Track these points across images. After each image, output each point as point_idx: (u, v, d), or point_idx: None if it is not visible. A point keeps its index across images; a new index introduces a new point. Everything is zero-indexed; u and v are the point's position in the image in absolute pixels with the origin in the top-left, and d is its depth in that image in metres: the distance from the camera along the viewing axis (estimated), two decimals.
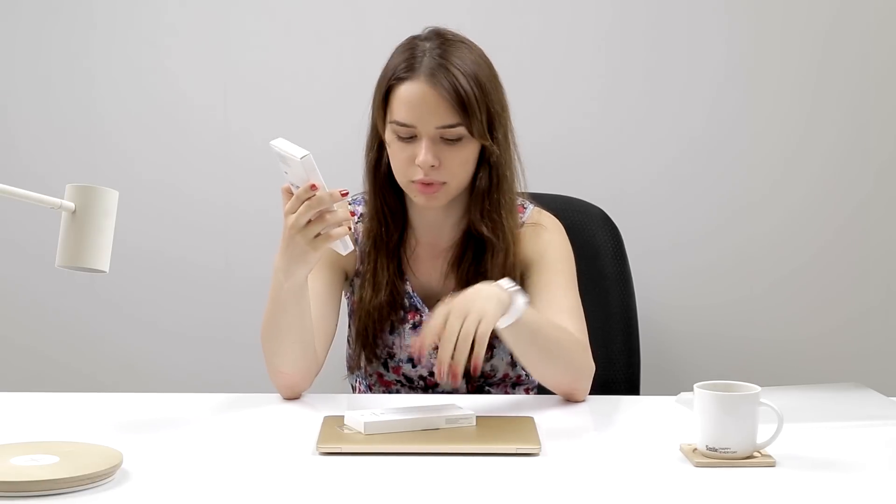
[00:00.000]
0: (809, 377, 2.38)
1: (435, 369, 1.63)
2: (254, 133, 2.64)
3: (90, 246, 1.43)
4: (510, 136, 1.94)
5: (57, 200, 1.43)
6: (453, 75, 1.84)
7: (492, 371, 1.98)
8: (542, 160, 2.61)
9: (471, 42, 1.92)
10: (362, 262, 1.98)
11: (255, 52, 2.63)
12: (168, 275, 2.67)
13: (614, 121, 2.63)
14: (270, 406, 1.78)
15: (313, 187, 1.65)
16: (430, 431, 1.58)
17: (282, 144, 1.67)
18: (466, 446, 1.53)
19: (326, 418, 1.65)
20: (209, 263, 2.67)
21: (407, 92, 1.85)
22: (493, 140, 1.88)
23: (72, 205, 1.43)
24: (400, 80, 1.86)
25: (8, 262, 2.68)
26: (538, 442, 1.54)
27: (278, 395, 1.85)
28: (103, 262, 1.45)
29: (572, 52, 2.61)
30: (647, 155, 2.63)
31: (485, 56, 1.92)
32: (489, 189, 1.91)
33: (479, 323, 1.64)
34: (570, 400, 1.84)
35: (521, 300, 1.71)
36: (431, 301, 1.94)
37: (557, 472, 1.47)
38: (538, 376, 1.87)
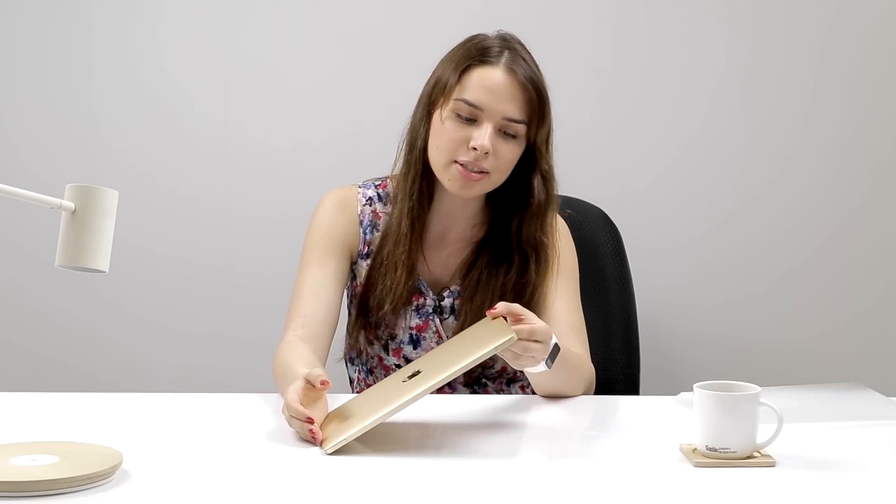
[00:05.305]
0: (809, 376, 2.38)
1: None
2: (254, 132, 2.65)
3: (90, 246, 1.43)
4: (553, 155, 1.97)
5: (57, 200, 1.42)
6: (532, 73, 1.89)
7: (491, 358, 1.98)
8: None
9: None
10: (392, 244, 1.97)
11: (254, 51, 2.63)
12: (168, 274, 2.68)
13: (613, 120, 2.63)
14: (271, 406, 1.78)
15: (310, 420, 1.56)
16: (413, 377, 1.60)
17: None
18: (451, 369, 1.54)
19: (328, 416, 1.65)
20: (209, 262, 2.67)
21: (485, 75, 1.87)
22: (546, 152, 1.93)
23: (72, 205, 1.43)
24: (481, 62, 1.88)
25: (8, 262, 2.68)
26: (510, 330, 1.59)
27: (279, 394, 1.85)
28: (103, 262, 1.45)
29: (570, 52, 2.61)
30: (647, 155, 2.64)
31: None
32: (546, 201, 1.95)
33: (522, 355, 1.65)
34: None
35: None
36: (436, 287, 1.98)
37: (557, 472, 1.47)
38: (550, 395, 1.90)
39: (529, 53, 1.93)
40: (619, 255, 2.28)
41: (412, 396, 1.53)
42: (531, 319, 1.65)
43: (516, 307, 1.66)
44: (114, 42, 2.63)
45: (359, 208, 2.00)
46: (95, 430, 1.62)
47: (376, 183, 2.03)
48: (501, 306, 1.65)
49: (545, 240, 1.95)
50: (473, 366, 1.56)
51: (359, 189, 2.02)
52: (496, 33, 1.94)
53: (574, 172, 2.59)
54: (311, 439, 1.55)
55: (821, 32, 2.60)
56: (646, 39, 2.61)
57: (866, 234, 2.65)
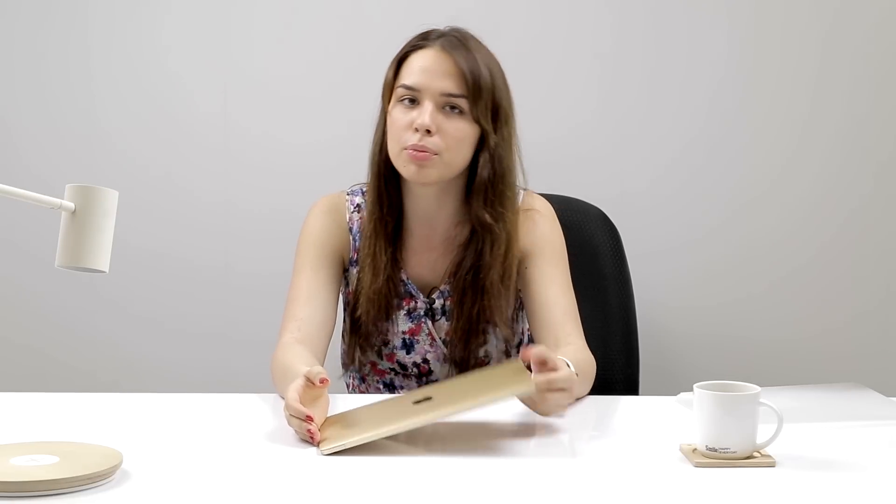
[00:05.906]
0: (809, 377, 2.38)
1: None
2: (253, 131, 2.65)
3: (90, 246, 1.43)
4: (514, 138, 1.95)
5: (57, 200, 1.42)
6: (468, 51, 1.88)
7: (485, 357, 1.98)
8: (540, 160, 2.61)
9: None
10: (361, 248, 1.98)
11: (254, 51, 2.63)
12: (168, 274, 2.68)
13: (613, 121, 2.63)
14: (271, 406, 1.78)
15: (309, 418, 1.56)
16: (423, 402, 1.58)
17: None
18: (462, 403, 1.53)
19: (328, 419, 1.65)
20: (209, 262, 2.67)
21: (419, 57, 1.89)
22: (495, 132, 1.89)
23: (72, 205, 1.43)
24: (415, 48, 1.90)
25: (8, 262, 2.68)
26: (529, 380, 1.54)
27: (278, 395, 1.86)
28: (103, 262, 1.45)
29: (571, 52, 2.61)
30: (646, 155, 2.64)
31: (497, 59, 1.94)
32: (493, 179, 1.91)
33: (542, 404, 1.63)
34: None
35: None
36: (426, 289, 1.98)
37: (557, 472, 1.47)
38: None
39: (477, 40, 1.92)
40: (619, 255, 2.28)
41: (417, 421, 1.52)
42: (555, 366, 1.60)
43: (544, 352, 1.60)
44: (114, 42, 2.63)
45: (347, 215, 2.00)
46: (95, 430, 1.62)
47: (363, 189, 2.03)
48: (532, 353, 1.59)
49: (488, 218, 1.90)
50: (485, 406, 1.55)
51: (346, 196, 2.03)
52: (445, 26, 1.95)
53: (574, 172, 2.60)
54: (309, 439, 1.55)
55: (821, 32, 2.60)
56: (646, 40, 2.61)
57: (867, 234, 2.65)
